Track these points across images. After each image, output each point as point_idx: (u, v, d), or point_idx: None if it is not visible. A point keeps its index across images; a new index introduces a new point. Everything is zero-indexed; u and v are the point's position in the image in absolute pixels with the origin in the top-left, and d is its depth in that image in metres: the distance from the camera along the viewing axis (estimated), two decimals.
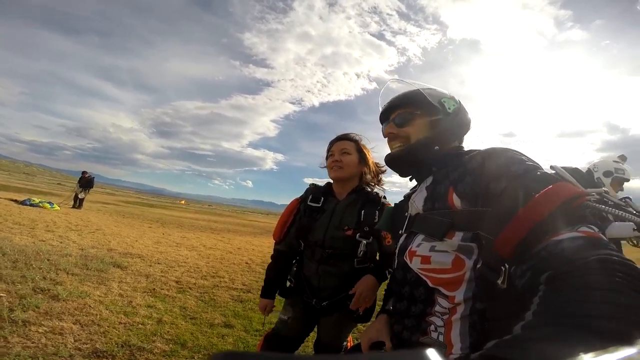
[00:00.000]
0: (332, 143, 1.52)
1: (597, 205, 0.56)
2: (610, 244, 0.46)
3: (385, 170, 1.56)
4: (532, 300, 0.41)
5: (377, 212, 1.38)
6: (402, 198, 1.03)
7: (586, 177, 0.63)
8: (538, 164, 0.64)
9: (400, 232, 0.91)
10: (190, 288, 3.94)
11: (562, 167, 0.63)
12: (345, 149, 1.46)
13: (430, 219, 0.75)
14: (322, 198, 1.50)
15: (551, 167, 0.65)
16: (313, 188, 1.57)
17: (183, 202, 61.35)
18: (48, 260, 4.14)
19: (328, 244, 1.39)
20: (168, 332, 2.58)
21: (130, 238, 7.16)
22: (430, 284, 0.72)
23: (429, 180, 0.85)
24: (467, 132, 0.92)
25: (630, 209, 0.57)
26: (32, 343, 2.09)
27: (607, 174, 2.29)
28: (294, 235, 1.51)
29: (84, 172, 13.84)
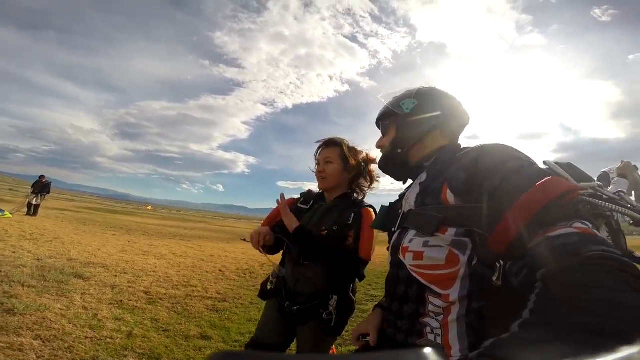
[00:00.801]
0: (318, 149, 1.52)
1: (591, 199, 0.56)
2: (606, 241, 0.46)
3: (375, 161, 1.53)
4: (528, 298, 0.40)
5: (352, 214, 1.38)
6: (398, 197, 1.02)
7: (578, 172, 0.63)
8: (532, 160, 0.63)
9: (393, 229, 0.90)
10: (161, 299, 3.75)
11: (555, 162, 0.63)
12: (328, 158, 1.45)
13: (422, 214, 0.74)
14: (312, 201, 1.51)
15: (544, 163, 0.64)
16: (307, 193, 1.59)
17: (149, 207, 58.57)
18: None
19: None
20: (140, 346, 2.43)
21: (92, 247, 6.71)
22: (422, 282, 0.70)
23: (423, 176, 0.84)
24: (439, 124, 0.87)
25: (624, 202, 0.57)
26: None
27: (621, 175, 2.36)
28: (280, 231, 1.47)
29: (41, 177, 12.85)
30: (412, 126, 0.88)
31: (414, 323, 0.73)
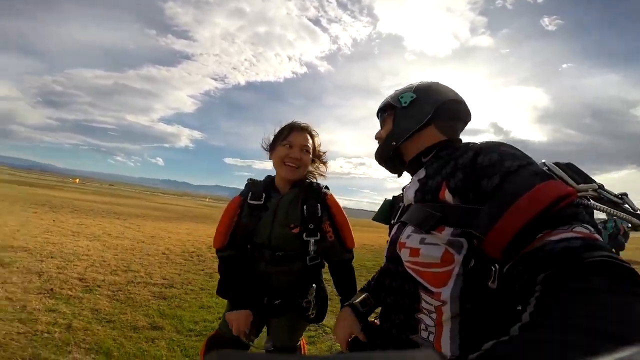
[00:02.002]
0: (290, 130, 1.38)
1: (591, 202, 0.56)
2: (607, 246, 0.46)
3: (325, 153, 1.50)
4: (528, 301, 0.40)
5: (318, 205, 1.34)
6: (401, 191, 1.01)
7: (578, 172, 0.62)
8: (531, 160, 0.62)
9: (392, 222, 0.92)
10: (98, 286, 3.48)
11: (554, 163, 0.63)
12: (306, 147, 1.37)
13: (420, 210, 0.74)
14: (264, 194, 1.39)
15: (543, 163, 0.64)
16: (252, 184, 1.45)
17: (77, 180, 52.50)
18: None
19: (275, 244, 1.32)
20: (84, 340, 2.27)
21: (9, 227, 5.90)
22: (417, 278, 0.71)
23: (421, 172, 0.83)
24: (436, 119, 0.87)
25: (627, 207, 0.56)
26: None
27: None
28: (238, 237, 1.40)
29: None
30: (408, 119, 0.88)
31: (408, 318, 0.75)
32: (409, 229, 0.76)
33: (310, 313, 1.36)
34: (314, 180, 1.47)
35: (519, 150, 0.65)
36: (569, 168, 0.62)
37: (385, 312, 0.85)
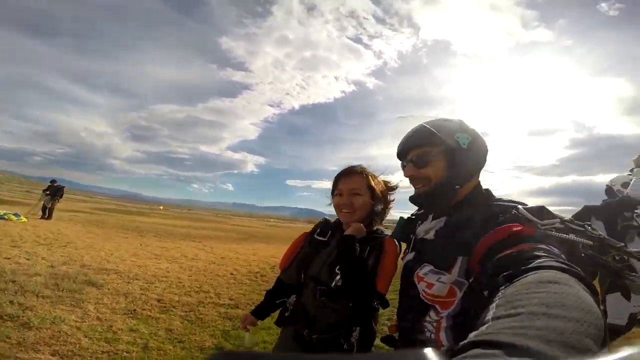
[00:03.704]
0: (337, 178, 1.42)
1: (551, 232, 0.70)
2: (561, 255, 0.60)
3: (396, 188, 1.47)
4: (495, 297, 0.46)
5: (368, 247, 1.28)
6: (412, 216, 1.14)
7: (546, 213, 0.76)
8: (519, 212, 0.75)
9: (407, 250, 1.05)
10: (173, 307, 3.73)
11: (525, 209, 0.75)
12: (355, 190, 1.35)
13: (439, 248, 0.88)
14: (330, 232, 1.42)
15: (517, 211, 0.76)
16: (324, 222, 1.51)
17: (161, 207, 59.43)
18: (13, 281, 3.81)
19: (323, 280, 1.31)
20: (157, 359, 2.40)
21: (105, 251, 6.77)
22: (428, 303, 0.87)
23: (442, 221, 0.92)
24: (483, 165, 0.93)
25: (588, 232, 0.71)
26: None
27: (624, 185, 2.56)
28: (295, 266, 1.45)
29: (52, 181, 13.09)
30: (470, 163, 0.90)
31: (415, 325, 0.91)
32: (427, 267, 0.89)
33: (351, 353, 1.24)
34: (380, 227, 1.40)
35: (516, 206, 0.79)
36: (537, 211, 0.74)
37: (401, 314, 1.00)
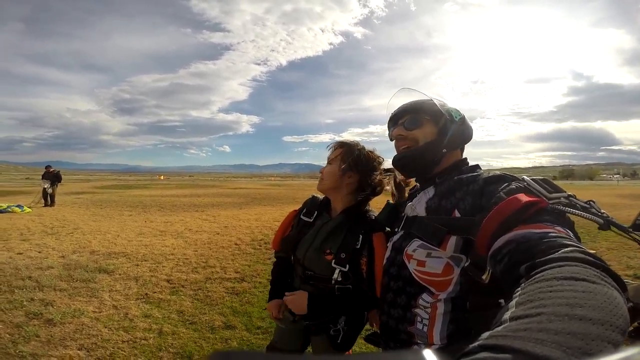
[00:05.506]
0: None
1: (562, 207, 0.65)
2: (580, 244, 0.53)
3: (381, 159, 1.40)
4: (514, 291, 0.43)
5: (360, 235, 1.28)
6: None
7: (552, 185, 0.72)
8: (523, 184, 0.71)
9: (396, 229, 1.02)
10: (182, 286, 3.96)
11: (531, 179, 0.73)
12: (329, 160, 1.38)
13: (429, 224, 0.85)
14: (316, 212, 1.42)
15: (523, 179, 0.74)
16: (311, 200, 1.49)
17: (162, 177, 59.65)
18: (29, 277, 4.03)
19: (307, 264, 1.35)
20: (172, 344, 2.61)
21: (112, 233, 7.01)
22: (422, 283, 0.84)
23: (431, 191, 0.93)
24: (469, 141, 1.00)
25: (594, 210, 0.66)
26: None
27: None
28: (284, 248, 1.49)
29: (47, 167, 13.06)
30: (459, 134, 0.95)
31: (405, 312, 0.88)
32: (415, 243, 0.87)
33: (338, 341, 1.33)
34: (370, 210, 1.40)
35: (516, 177, 0.77)
36: (544, 182, 0.72)
37: (385, 307, 0.95)
